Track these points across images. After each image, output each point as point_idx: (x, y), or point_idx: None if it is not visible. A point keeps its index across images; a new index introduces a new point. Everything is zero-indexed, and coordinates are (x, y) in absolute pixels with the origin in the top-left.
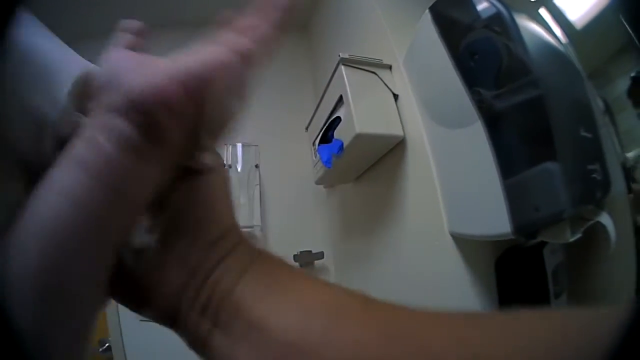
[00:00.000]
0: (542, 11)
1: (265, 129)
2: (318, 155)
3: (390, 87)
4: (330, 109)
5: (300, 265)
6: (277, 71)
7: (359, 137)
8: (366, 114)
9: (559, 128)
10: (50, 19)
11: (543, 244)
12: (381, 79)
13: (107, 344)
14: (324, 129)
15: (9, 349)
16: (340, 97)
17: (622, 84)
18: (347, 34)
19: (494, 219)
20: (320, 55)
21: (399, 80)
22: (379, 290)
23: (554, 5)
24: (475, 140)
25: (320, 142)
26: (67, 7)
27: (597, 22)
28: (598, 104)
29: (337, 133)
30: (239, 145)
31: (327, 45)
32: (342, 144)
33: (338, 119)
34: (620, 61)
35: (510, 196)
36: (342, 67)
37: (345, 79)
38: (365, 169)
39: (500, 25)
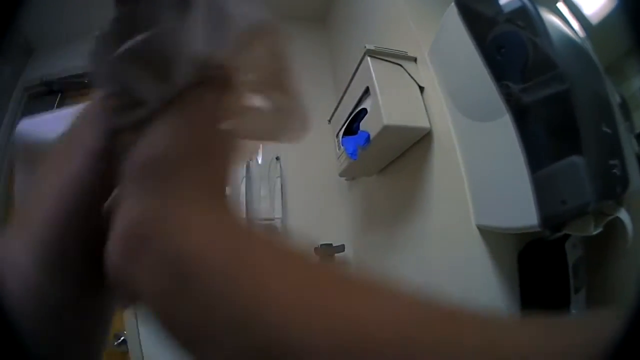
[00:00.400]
0: (560, 5)
1: None
2: (342, 147)
3: (415, 79)
4: (356, 100)
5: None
6: (296, 63)
7: (386, 129)
8: (393, 106)
9: (584, 122)
10: (61, 16)
11: (564, 238)
12: (407, 71)
13: (122, 338)
14: (348, 120)
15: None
16: (366, 89)
17: (637, 82)
18: (368, 27)
19: (522, 212)
20: (339, 48)
21: (424, 73)
22: None
23: (571, 0)
24: (503, 133)
25: (345, 134)
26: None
27: (612, 18)
28: (616, 100)
29: (364, 125)
30: None
31: (347, 38)
32: (369, 136)
33: (363, 110)
34: (635, 59)
35: (537, 189)
36: (369, 58)
37: (372, 71)
38: (389, 162)
39: (525, 19)
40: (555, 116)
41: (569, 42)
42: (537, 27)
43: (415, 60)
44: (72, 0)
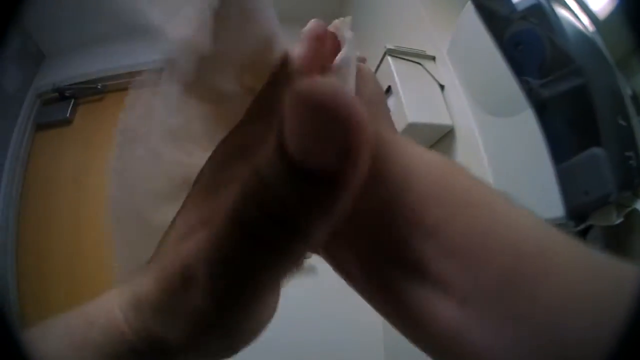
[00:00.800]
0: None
1: None
2: None
3: (435, 77)
4: None
5: None
6: None
7: (411, 127)
8: (416, 104)
9: (601, 115)
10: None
11: (585, 232)
12: (426, 70)
13: None
14: None
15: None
16: (388, 88)
17: None
18: (383, 28)
19: (548, 204)
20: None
21: (443, 71)
22: None
23: None
24: (526, 127)
25: None
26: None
27: (618, 14)
28: (628, 93)
29: None
30: None
31: (362, 40)
32: None
33: None
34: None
35: (562, 181)
36: (389, 58)
37: (393, 70)
38: None
39: (539, 16)
40: (575, 110)
41: (582, 37)
42: (552, 23)
43: (433, 59)
44: (83, 6)
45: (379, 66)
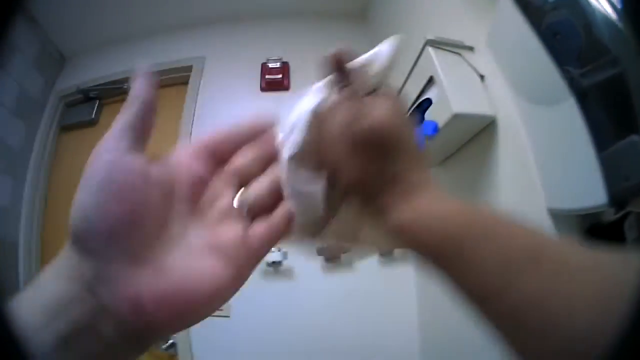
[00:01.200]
0: None
1: None
2: None
3: (475, 68)
4: (418, 91)
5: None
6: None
7: (456, 117)
8: (460, 94)
9: (638, 102)
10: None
11: (621, 221)
12: (466, 60)
13: (170, 341)
14: (410, 111)
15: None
16: (430, 79)
17: None
18: (416, 19)
19: (591, 192)
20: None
21: (482, 61)
22: None
23: None
24: (569, 116)
25: None
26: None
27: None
28: None
29: (429, 114)
30: None
31: (393, 32)
32: (437, 125)
33: (425, 101)
34: None
35: (604, 168)
36: (430, 48)
37: (435, 60)
38: (451, 153)
39: (570, 6)
40: (613, 98)
41: (613, 25)
42: (585, 12)
43: (472, 49)
44: (102, 7)
45: (418, 57)
